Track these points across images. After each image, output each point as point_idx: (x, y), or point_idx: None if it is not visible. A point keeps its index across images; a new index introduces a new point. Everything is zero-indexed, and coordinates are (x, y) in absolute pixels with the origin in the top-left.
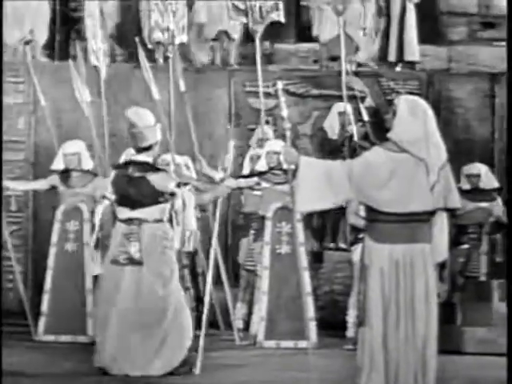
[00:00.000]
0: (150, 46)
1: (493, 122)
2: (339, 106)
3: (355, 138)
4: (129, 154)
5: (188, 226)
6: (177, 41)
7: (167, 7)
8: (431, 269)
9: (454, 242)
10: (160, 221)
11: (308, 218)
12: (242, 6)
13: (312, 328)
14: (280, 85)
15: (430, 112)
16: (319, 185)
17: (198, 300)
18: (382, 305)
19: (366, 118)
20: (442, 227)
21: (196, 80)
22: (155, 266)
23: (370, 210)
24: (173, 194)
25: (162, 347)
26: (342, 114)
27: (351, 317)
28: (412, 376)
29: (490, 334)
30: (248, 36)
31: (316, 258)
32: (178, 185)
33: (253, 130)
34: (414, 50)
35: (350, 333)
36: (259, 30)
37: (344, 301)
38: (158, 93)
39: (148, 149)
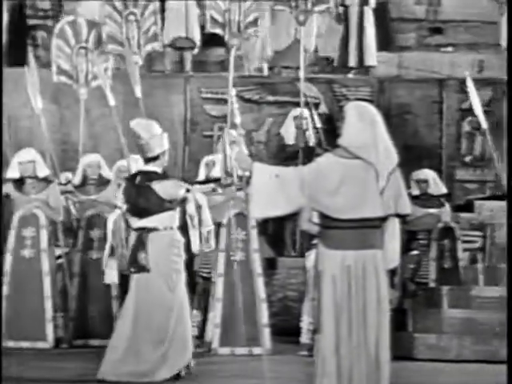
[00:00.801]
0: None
1: (441, 128)
2: (296, 112)
3: (311, 144)
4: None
5: (206, 225)
6: (148, 48)
7: (127, 17)
8: (383, 275)
9: (405, 249)
10: (169, 228)
11: (263, 224)
12: (220, 19)
13: (266, 334)
14: (233, 92)
15: (379, 117)
16: (272, 191)
17: None
18: (334, 311)
19: (318, 124)
20: (393, 233)
21: (152, 86)
22: (164, 272)
23: (322, 216)
24: (184, 200)
25: (168, 353)
26: (297, 119)
27: (305, 323)
28: (365, 382)
29: (440, 340)
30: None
31: (270, 265)
32: (187, 190)
33: (208, 136)
34: (372, 54)
35: (303, 339)
36: (235, 43)
37: (298, 307)
38: (114, 99)
39: (155, 158)
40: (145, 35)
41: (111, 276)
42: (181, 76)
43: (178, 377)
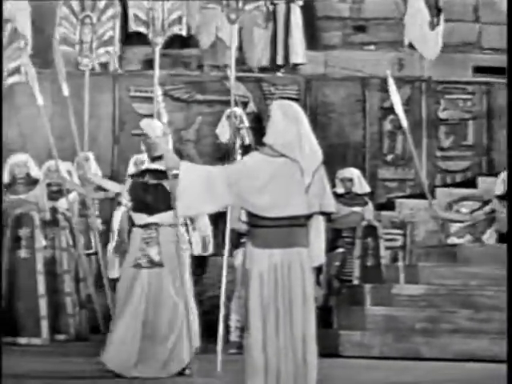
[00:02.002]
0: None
1: (364, 127)
2: (229, 111)
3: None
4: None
5: (202, 231)
6: (101, 51)
7: (83, 20)
8: (308, 273)
9: (330, 247)
10: (174, 225)
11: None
12: (143, 17)
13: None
14: (159, 90)
15: (303, 116)
16: (199, 190)
17: (81, 305)
18: (261, 310)
19: (247, 123)
20: (318, 231)
21: (80, 85)
22: (173, 268)
23: (250, 214)
24: None
25: (175, 349)
26: (230, 118)
27: (233, 321)
28: (292, 380)
29: (364, 337)
30: (131, 40)
31: (200, 264)
32: None
33: (137, 134)
34: (300, 52)
35: (232, 337)
36: (159, 41)
37: (228, 306)
38: (42, 98)
39: (161, 157)
40: (98, 39)
41: (114, 272)
42: (109, 74)
43: (183, 371)
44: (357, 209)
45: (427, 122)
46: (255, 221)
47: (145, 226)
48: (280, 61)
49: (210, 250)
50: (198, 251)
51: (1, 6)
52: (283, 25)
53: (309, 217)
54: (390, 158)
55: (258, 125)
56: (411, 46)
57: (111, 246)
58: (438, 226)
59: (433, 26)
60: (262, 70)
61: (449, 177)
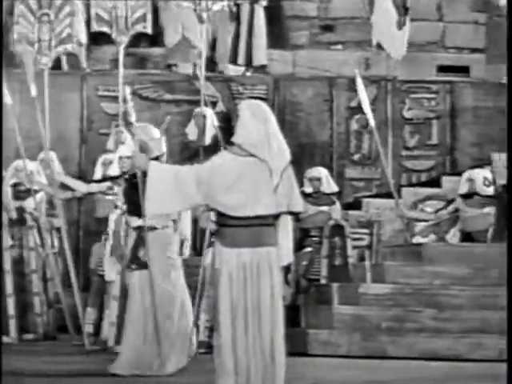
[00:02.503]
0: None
1: (331, 127)
2: (199, 111)
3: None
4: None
5: (183, 234)
6: (60, 49)
7: (41, 18)
8: (277, 272)
9: (298, 246)
10: (166, 227)
11: None
12: (106, 16)
13: None
14: (128, 90)
15: (272, 115)
16: (168, 189)
17: (48, 305)
18: (230, 309)
19: (216, 123)
20: (286, 230)
21: (48, 85)
22: (163, 268)
23: (218, 214)
24: None
25: (173, 348)
26: (199, 117)
27: (202, 321)
28: (261, 379)
29: (331, 336)
30: (100, 39)
31: None
32: None
33: (105, 134)
34: (262, 54)
35: (201, 337)
36: (123, 40)
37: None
38: (11, 97)
39: (155, 160)
40: (57, 37)
41: (111, 274)
42: (78, 74)
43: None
44: (324, 208)
45: (393, 121)
46: (224, 220)
47: (137, 229)
48: (241, 61)
49: (187, 253)
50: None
51: (1, 5)
52: (247, 25)
53: (277, 216)
54: (356, 157)
55: (227, 124)
56: (378, 45)
57: (108, 249)
58: (403, 225)
59: (400, 25)
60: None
61: (414, 176)
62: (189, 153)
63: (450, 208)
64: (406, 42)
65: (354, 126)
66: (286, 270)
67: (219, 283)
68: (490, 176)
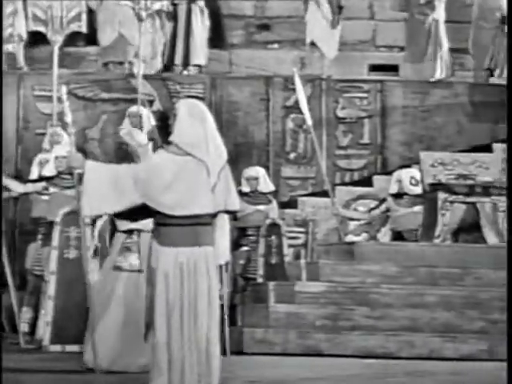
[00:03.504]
0: None
1: (268, 126)
2: (131, 110)
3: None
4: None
5: None
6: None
7: None
8: (213, 271)
9: (235, 245)
10: None
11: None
12: (42, 15)
13: None
14: (64, 89)
15: (209, 114)
16: (105, 189)
17: None
18: (166, 308)
19: (153, 122)
20: (223, 230)
21: None
22: None
23: (155, 213)
24: None
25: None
26: (133, 117)
27: None
28: (196, 377)
29: (267, 334)
30: (38, 38)
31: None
32: None
33: (41, 134)
34: (200, 53)
35: None
36: (58, 40)
37: None
38: None
39: None
40: None
41: (94, 276)
42: (15, 73)
43: None
44: (261, 207)
45: (327, 120)
46: (161, 219)
47: (127, 232)
48: (179, 60)
49: None
50: None
51: (1, 5)
52: (184, 25)
53: (214, 215)
54: (292, 156)
55: (164, 123)
56: (313, 44)
57: (90, 250)
58: (337, 223)
59: (334, 24)
60: (166, 68)
61: (347, 175)
62: (124, 152)
63: (382, 207)
64: (339, 41)
65: (290, 125)
66: (223, 268)
67: (156, 282)
68: (417, 175)
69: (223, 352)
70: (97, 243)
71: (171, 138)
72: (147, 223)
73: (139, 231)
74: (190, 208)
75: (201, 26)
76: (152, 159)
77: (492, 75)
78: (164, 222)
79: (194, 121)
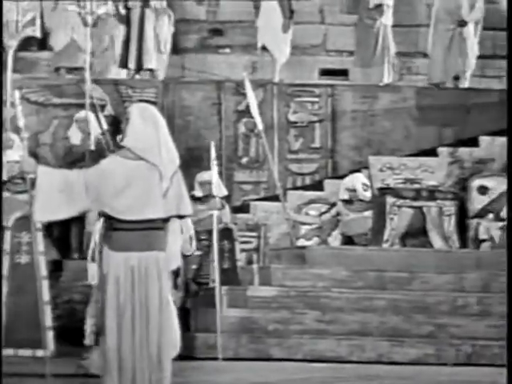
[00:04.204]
0: None
1: (220, 130)
2: (80, 115)
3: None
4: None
5: (188, 230)
6: None
7: None
8: (165, 276)
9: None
10: None
11: (49, 226)
12: None
13: (50, 337)
14: (17, 94)
15: (161, 119)
16: (57, 194)
17: None
18: (117, 312)
19: (105, 126)
20: (175, 234)
21: None
22: None
23: (107, 218)
24: None
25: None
26: (82, 122)
27: (89, 325)
28: (147, 382)
29: (219, 339)
30: None
31: (56, 267)
32: None
33: None
34: (152, 57)
35: (87, 341)
36: (13, 44)
37: (83, 310)
38: None
39: None
40: None
41: (94, 278)
42: None
43: None
44: (214, 212)
45: (278, 124)
46: (112, 224)
47: None
48: (132, 65)
49: (193, 249)
50: (187, 251)
51: (1, 5)
52: (137, 30)
53: (166, 220)
54: (244, 160)
55: (116, 127)
56: (264, 48)
57: (89, 253)
58: (289, 228)
59: (285, 28)
60: (118, 72)
61: (299, 179)
62: (73, 157)
63: (333, 211)
64: (290, 45)
65: (242, 129)
66: (176, 273)
67: (107, 287)
68: (366, 180)
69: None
70: (93, 246)
71: (124, 143)
72: None
73: None
74: (141, 213)
75: (152, 30)
76: (103, 164)
77: (457, 78)
78: (115, 226)
79: (147, 125)
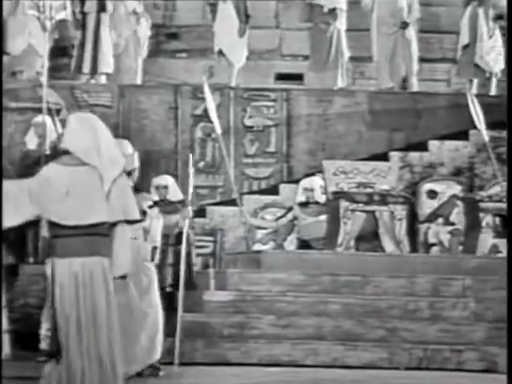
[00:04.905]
0: None
1: (176, 134)
2: (38, 119)
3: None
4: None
5: (153, 242)
6: None
7: None
8: (111, 282)
9: None
10: (135, 238)
11: (4, 231)
12: None
13: (6, 340)
14: None
15: (100, 124)
16: (3, 203)
17: None
18: (64, 318)
19: (60, 130)
20: (122, 240)
21: None
22: (135, 276)
23: (51, 224)
24: (144, 213)
25: (138, 351)
26: (40, 126)
27: (43, 329)
28: None
29: (176, 343)
30: None
31: (11, 272)
32: (151, 206)
33: None
34: (108, 61)
35: (43, 345)
36: None
37: (39, 314)
38: None
39: (128, 175)
40: None
41: None
42: None
43: (140, 374)
44: (171, 216)
45: (235, 129)
46: (57, 230)
47: None
48: (86, 69)
49: (156, 260)
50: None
51: (1, 5)
52: (92, 34)
53: (113, 224)
54: (201, 165)
55: None
56: (221, 53)
57: None
58: (245, 232)
59: (241, 33)
60: (73, 77)
61: (255, 183)
62: (29, 161)
63: (289, 216)
64: (247, 50)
65: (199, 133)
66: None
67: (55, 292)
68: (323, 184)
69: None
70: None
71: (62, 145)
72: (137, 230)
73: None
74: (84, 218)
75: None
76: (43, 172)
77: (405, 81)
78: (60, 233)
79: (84, 129)
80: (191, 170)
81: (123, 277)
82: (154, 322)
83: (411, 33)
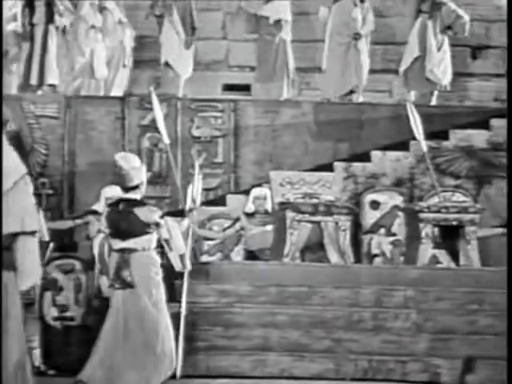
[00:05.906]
0: None
1: (123, 145)
2: None
3: None
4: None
5: (178, 250)
6: None
7: None
8: (16, 297)
9: (89, 267)
10: (147, 249)
11: None
12: None
13: None
14: None
15: None
16: None
17: None
18: None
19: (5, 142)
20: (26, 252)
21: None
22: (146, 288)
23: None
24: (158, 225)
25: (154, 372)
26: None
27: None
28: None
29: None
30: None
31: None
32: (161, 216)
33: None
34: (54, 73)
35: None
36: None
37: None
38: None
39: (135, 188)
40: None
41: (107, 290)
42: None
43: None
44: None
45: (182, 139)
46: None
47: (120, 251)
48: (34, 81)
49: (189, 266)
50: (178, 268)
51: (1, 6)
52: (40, 46)
53: (15, 237)
54: (148, 175)
55: (18, 143)
56: (167, 64)
57: (97, 267)
58: (193, 243)
59: (187, 44)
60: (22, 88)
61: (202, 194)
62: None
63: (236, 226)
64: (194, 61)
65: (146, 144)
66: (78, 288)
67: None
68: (270, 194)
69: None
70: (98, 263)
71: None
72: (139, 243)
73: (131, 250)
74: None
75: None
76: None
77: (353, 92)
78: None
79: None
80: (198, 174)
81: (132, 286)
82: (167, 329)
83: (363, 44)
